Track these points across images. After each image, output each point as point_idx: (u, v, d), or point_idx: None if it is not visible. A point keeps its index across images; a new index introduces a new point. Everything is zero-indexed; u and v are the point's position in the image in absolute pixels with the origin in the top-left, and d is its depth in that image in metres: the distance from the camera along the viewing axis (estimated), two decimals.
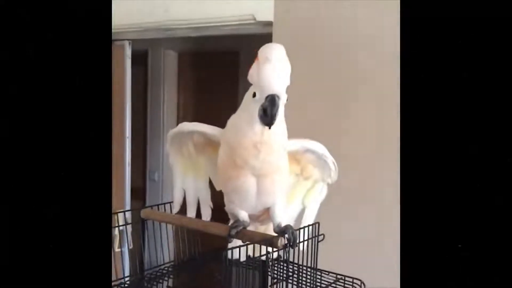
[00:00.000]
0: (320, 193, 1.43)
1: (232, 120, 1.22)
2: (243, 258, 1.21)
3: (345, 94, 2.15)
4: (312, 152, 1.33)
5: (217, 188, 1.39)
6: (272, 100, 1.09)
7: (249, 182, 1.21)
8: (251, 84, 1.16)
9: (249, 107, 1.14)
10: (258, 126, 1.12)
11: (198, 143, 1.36)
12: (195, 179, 1.45)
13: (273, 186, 1.23)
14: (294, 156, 1.32)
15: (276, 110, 1.10)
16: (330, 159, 1.35)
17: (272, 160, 1.18)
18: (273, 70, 1.10)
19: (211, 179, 1.43)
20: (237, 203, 1.28)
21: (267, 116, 1.10)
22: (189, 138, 1.36)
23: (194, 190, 1.46)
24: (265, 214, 1.32)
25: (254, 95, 1.13)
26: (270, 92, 1.10)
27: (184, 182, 1.46)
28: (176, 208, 1.47)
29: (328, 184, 1.42)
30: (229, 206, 1.31)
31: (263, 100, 1.11)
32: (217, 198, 1.42)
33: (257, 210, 1.29)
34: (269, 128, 1.11)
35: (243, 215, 1.29)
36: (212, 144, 1.32)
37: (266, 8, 2.32)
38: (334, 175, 1.38)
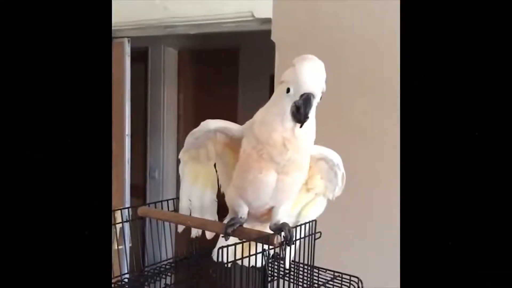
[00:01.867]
0: (319, 207, 1.40)
1: (262, 114, 1.19)
2: (238, 256, 1.20)
3: (344, 92, 2.14)
4: (327, 161, 1.30)
5: (222, 189, 1.37)
6: (307, 99, 1.08)
7: (270, 178, 1.19)
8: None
9: (281, 102, 1.12)
10: (289, 123, 1.11)
11: (219, 142, 1.31)
12: (203, 189, 1.42)
13: (291, 185, 1.23)
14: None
15: (309, 109, 1.08)
16: (341, 172, 1.32)
17: (297, 158, 1.17)
18: (310, 68, 1.09)
19: (221, 182, 1.38)
20: (250, 198, 1.25)
21: (300, 115, 1.09)
22: (211, 137, 1.31)
23: (201, 200, 1.43)
24: (268, 214, 1.31)
25: (288, 90, 1.10)
26: (306, 91, 1.08)
27: (192, 191, 1.42)
28: (184, 214, 1.44)
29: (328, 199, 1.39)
30: (234, 201, 1.29)
31: (297, 98, 1.09)
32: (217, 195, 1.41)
33: (265, 208, 1.28)
34: (301, 126, 1.10)
35: (243, 212, 1.28)
36: (231, 145, 1.29)
37: (265, 5, 2.31)
38: (338, 191, 1.36)
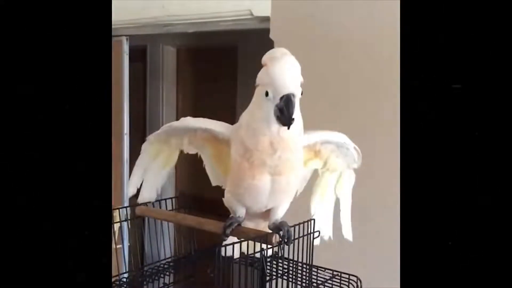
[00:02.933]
0: (349, 180, 1.39)
1: (246, 119, 1.17)
2: (237, 255, 1.20)
3: (342, 90, 2.14)
4: (331, 142, 1.30)
5: (213, 183, 1.37)
6: (287, 100, 1.06)
7: (264, 181, 1.18)
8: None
9: (263, 106, 1.10)
10: (275, 126, 1.10)
11: (199, 138, 1.31)
12: (162, 166, 1.44)
13: (288, 185, 1.22)
14: (312, 149, 1.29)
15: (292, 110, 1.06)
16: (351, 147, 1.31)
17: (288, 157, 1.15)
18: (284, 68, 1.07)
19: (208, 173, 1.38)
20: (248, 203, 1.26)
21: (285, 117, 1.07)
22: (189, 133, 1.32)
23: (156, 175, 1.45)
24: (268, 212, 1.31)
25: (267, 94, 1.08)
26: (285, 92, 1.06)
27: (149, 166, 1.45)
28: (131, 190, 1.47)
29: (354, 169, 1.37)
30: (232, 204, 1.29)
31: (277, 100, 1.07)
32: (215, 193, 1.41)
33: (265, 209, 1.28)
34: (288, 128, 1.08)
35: (241, 211, 1.28)
36: (214, 141, 1.28)
37: (263, 3, 2.31)
38: (358, 160, 1.34)
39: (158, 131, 1.37)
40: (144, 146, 1.43)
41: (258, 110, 1.12)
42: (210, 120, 1.29)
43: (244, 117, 1.19)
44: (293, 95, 1.07)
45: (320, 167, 1.35)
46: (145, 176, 1.45)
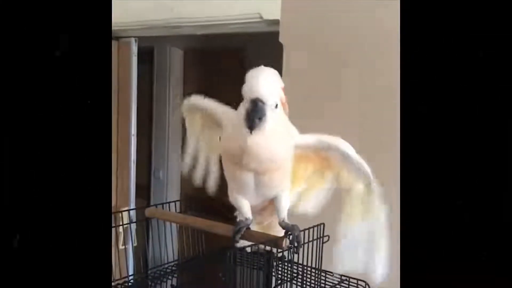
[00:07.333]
0: (374, 200, 1.25)
1: (227, 119, 1.23)
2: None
3: (352, 93, 2.13)
4: (335, 150, 1.23)
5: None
6: (253, 103, 1.07)
7: (246, 177, 1.20)
8: None
9: (239, 110, 1.13)
10: (243, 130, 1.10)
11: (207, 118, 1.35)
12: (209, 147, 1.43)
13: (271, 181, 1.22)
14: (318, 155, 1.25)
15: (256, 114, 1.07)
16: (355, 160, 1.23)
17: (259, 165, 1.16)
18: (257, 74, 1.10)
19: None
20: (240, 193, 1.27)
21: (249, 120, 1.08)
22: (199, 111, 1.37)
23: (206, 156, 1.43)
24: (268, 210, 1.32)
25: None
26: (253, 96, 1.08)
27: (198, 142, 1.44)
28: (186, 166, 1.46)
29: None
30: (232, 196, 1.30)
31: (248, 104, 1.09)
32: (219, 196, 1.41)
33: (258, 201, 1.29)
34: (251, 133, 1.08)
35: (246, 208, 1.28)
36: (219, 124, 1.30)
37: (273, 6, 2.30)
38: (373, 179, 1.24)
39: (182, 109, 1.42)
40: (187, 123, 1.46)
41: (236, 116, 1.15)
42: (216, 103, 1.32)
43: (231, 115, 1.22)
44: (261, 100, 1.07)
45: (333, 183, 1.27)
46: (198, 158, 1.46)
